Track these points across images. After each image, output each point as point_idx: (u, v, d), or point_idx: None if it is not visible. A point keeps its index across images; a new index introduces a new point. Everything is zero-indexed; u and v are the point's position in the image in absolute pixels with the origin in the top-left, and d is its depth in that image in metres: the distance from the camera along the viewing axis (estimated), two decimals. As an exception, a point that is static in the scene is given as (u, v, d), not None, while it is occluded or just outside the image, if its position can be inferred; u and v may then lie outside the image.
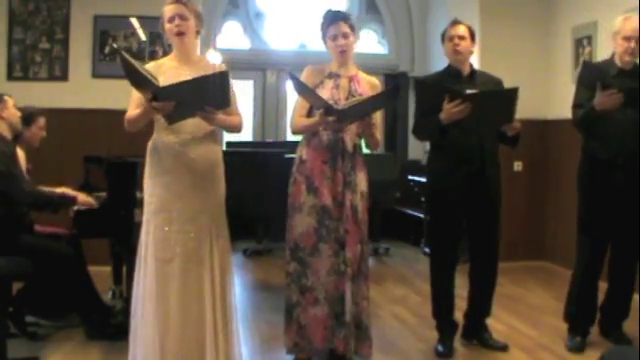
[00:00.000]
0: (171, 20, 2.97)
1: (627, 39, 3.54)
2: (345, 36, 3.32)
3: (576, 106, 3.68)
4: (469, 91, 3.36)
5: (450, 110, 3.32)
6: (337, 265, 3.29)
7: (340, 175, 3.31)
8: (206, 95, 2.79)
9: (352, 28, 3.35)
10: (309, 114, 3.36)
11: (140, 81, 2.74)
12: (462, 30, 3.63)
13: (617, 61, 3.61)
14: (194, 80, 2.77)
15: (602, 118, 3.51)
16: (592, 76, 3.53)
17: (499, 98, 3.44)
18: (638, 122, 3.53)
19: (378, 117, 3.46)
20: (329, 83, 3.35)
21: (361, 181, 3.39)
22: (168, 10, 2.98)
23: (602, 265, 3.72)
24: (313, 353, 3.38)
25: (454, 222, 3.69)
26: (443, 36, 3.70)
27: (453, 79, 3.60)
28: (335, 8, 3.52)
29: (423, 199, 6.72)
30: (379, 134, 3.43)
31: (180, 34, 2.98)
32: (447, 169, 3.61)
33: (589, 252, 3.69)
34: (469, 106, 3.29)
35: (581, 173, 3.75)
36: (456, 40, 3.60)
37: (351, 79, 3.40)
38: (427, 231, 6.68)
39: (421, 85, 3.66)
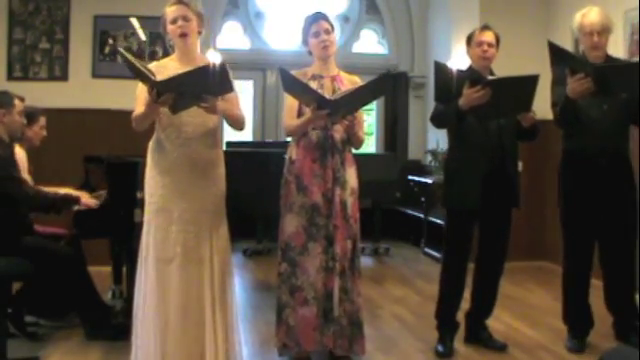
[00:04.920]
0: (174, 21, 2.98)
1: (589, 34, 3.56)
2: (327, 32, 3.41)
3: (554, 104, 3.68)
4: (490, 77, 3.39)
5: (470, 95, 3.33)
6: (326, 262, 3.31)
7: (330, 172, 3.34)
8: (205, 84, 2.79)
9: (332, 27, 3.46)
10: (299, 115, 3.37)
11: (142, 77, 2.79)
12: (491, 37, 3.63)
13: (588, 57, 3.61)
14: (188, 72, 2.78)
15: (580, 118, 3.52)
16: (560, 63, 3.50)
17: (519, 85, 3.42)
18: (616, 119, 3.56)
19: (362, 114, 3.50)
20: (313, 85, 3.37)
21: (351, 177, 3.42)
22: (171, 12, 2.99)
23: (591, 264, 3.72)
24: (303, 354, 3.38)
25: (470, 226, 3.69)
26: (469, 39, 3.68)
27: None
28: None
29: (423, 199, 6.74)
30: (362, 132, 3.47)
31: (183, 35, 2.99)
32: (466, 169, 3.58)
33: (576, 253, 3.71)
34: (489, 92, 3.30)
35: (562, 173, 3.76)
36: (485, 47, 3.61)
37: (334, 79, 3.45)
38: (428, 230, 6.69)
39: (441, 68, 3.61)
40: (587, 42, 3.59)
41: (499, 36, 3.68)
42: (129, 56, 2.79)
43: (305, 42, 3.49)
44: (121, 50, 2.80)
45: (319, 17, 3.46)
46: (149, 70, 2.78)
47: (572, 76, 3.39)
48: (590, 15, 3.56)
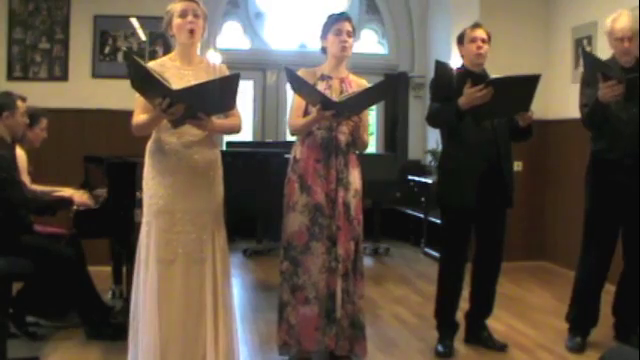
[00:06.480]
0: (184, 15, 2.93)
1: (619, 40, 3.55)
2: (349, 34, 3.40)
3: (583, 106, 3.67)
4: (493, 76, 3.39)
5: (472, 95, 3.32)
6: (329, 262, 3.32)
7: (333, 173, 3.35)
8: (215, 98, 2.78)
9: (354, 31, 3.44)
10: (305, 114, 3.37)
11: (150, 86, 2.71)
12: (484, 33, 3.64)
13: (619, 61, 3.61)
14: (207, 83, 2.76)
15: (609, 119, 3.52)
16: (594, 71, 3.51)
17: (520, 85, 3.42)
18: None
19: (367, 117, 3.52)
20: (321, 85, 3.37)
21: (355, 178, 3.42)
22: (180, 5, 2.95)
23: (608, 268, 3.70)
24: (303, 353, 3.39)
25: (467, 226, 3.69)
26: (461, 38, 3.68)
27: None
28: (337, 9, 3.55)
29: (423, 199, 6.74)
30: (367, 135, 3.49)
31: (192, 31, 2.95)
32: (462, 168, 3.57)
33: (595, 255, 3.68)
34: (491, 91, 3.30)
35: (589, 175, 3.75)
36: (479, 42, 3.61)
37: (342, 80, 3.45)
38: (428, 230, 6.69)
39: (443, 68, 3.58)
40: (618, 47, 3.57)
41: (490, 34, 3.68)
42: (143, 63, 2.71)
43: (323, 38, 3.45)
44: (136, 58, 2.70)
45: (345, 17, 3.45)
46: (164, 78, 2.72)
47: (604, 81, 3.39)
48: (621, 20, 3.54)
